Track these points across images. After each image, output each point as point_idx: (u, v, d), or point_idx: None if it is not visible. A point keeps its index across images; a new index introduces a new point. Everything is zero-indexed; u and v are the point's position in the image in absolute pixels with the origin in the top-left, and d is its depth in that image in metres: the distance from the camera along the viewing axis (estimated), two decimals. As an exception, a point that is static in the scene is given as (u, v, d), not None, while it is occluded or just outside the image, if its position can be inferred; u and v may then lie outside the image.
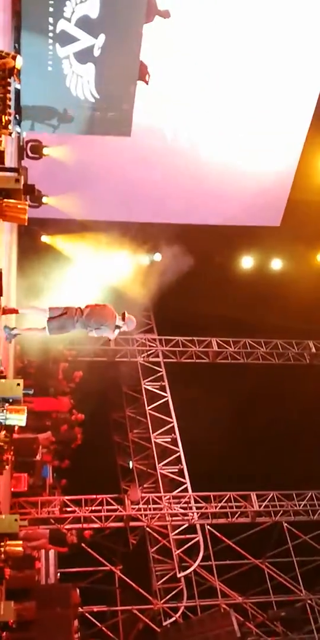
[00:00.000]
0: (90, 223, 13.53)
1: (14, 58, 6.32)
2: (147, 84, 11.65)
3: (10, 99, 6.34)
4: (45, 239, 14.09)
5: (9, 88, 6.36)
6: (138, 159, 12.76)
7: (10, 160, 8.21)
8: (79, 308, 7.80)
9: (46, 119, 11.23)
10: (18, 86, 10.19)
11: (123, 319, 8.00)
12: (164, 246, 14.59)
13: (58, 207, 12.75)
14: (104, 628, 13.16)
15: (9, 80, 6.37)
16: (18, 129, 11.00)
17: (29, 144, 11.88)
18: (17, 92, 10.31)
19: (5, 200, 5.98)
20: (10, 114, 6.31)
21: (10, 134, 6.48)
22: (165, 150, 13.21)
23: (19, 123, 10.89)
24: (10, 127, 6.28)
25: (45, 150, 11.96)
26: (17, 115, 10.54)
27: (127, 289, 13.89)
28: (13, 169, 7.05)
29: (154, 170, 13.06)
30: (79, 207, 12.86)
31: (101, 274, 13.20)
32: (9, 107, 6.34)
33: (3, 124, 6.17)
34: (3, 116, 6.15)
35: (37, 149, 11.91)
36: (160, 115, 12.88)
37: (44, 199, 12.41)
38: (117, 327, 7.97)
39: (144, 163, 12.87)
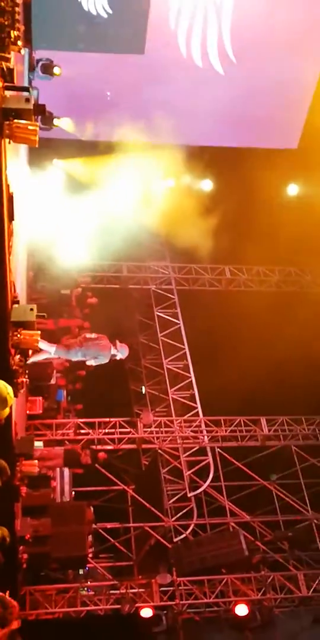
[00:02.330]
0: (102, 145, 13.24)
1: (22, -31, 5.95)
2: (161, -3, 11.14)
3: (19, 13, 5.92)
4: (57, 162, 13.84)
5: (17, 1, 6.00)
6: (152, 77, 12.34)
7: (20, 79, 7.96)
8: (79, 339, 9.07)
9: (58, 36, 10.82)
10: (28, -1, 9.73)
11: (115, 347, 8.62)
12: (177, 171, 14.27)
13: (70, 129, 12.45)
14: (116, 544, 13.70)
15: (17, -8, 6.01)
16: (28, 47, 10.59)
17: (40, 63, 11.48)
18: (27, 7, 9.85)
19: (15, 120, 5.76)
20: (19, 29, 5.89)
21: (19, 51, 6.15)
22: (179, 69, 12.75)
23: (29, 40, 10.48)
24: (19, 42, 5.93)
25: (56, 70, 11.55)
26: (27, 32, 10.11)
27: (140, 215, 13.71)
28: (23, 88, 6.79)
29: (167, 89, 12.62)
30: (92, 129, 12.56)
31: (113, 199, 13.02)
32: (18, 21, 5.89)
33: (12, 39, 5.79)
34: (12, 31, 5.74)
35: (48, 68, 11.52)
36: (174, 32, 12.39)
37: (55, 121, 12.09)
38: (113, 355, 8.67)
39: (158, 82, 12.44)
